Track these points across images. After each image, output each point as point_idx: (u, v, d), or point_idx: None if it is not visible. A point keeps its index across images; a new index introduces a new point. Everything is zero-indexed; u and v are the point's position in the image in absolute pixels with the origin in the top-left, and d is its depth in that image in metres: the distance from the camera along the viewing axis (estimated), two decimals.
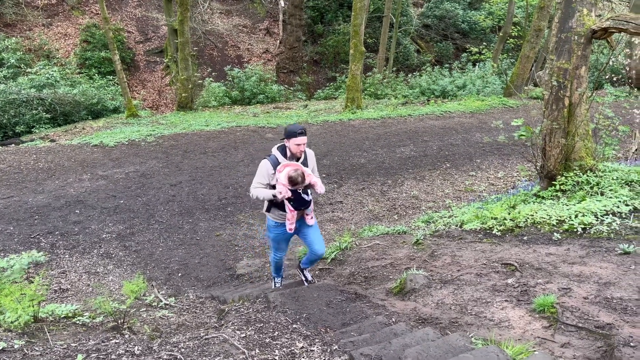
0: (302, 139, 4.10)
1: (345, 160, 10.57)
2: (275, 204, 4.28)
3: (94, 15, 23.12)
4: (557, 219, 5.17)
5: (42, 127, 15.63)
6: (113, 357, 2.87)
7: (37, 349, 2.94)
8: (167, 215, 8.03)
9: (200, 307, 4.93)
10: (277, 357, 2.93)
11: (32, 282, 3.56)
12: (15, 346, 2.91)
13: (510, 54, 23.86)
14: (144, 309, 4.70)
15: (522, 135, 6.23)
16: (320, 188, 4.19)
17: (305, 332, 3.37)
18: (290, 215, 4.25)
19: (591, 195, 5.58)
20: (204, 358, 2.90)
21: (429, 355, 2.67)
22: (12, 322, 3.23)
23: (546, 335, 3.05)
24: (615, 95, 15.21)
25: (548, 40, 15.16)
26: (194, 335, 3.33)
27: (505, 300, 3.63)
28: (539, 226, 5.20)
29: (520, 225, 5.32)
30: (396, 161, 10.56)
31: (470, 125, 13.50)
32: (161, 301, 5.00)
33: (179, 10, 16.40)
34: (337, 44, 23.56)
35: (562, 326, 3.11)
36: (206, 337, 3.25)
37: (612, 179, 5.80)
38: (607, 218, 4.95)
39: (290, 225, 4.28)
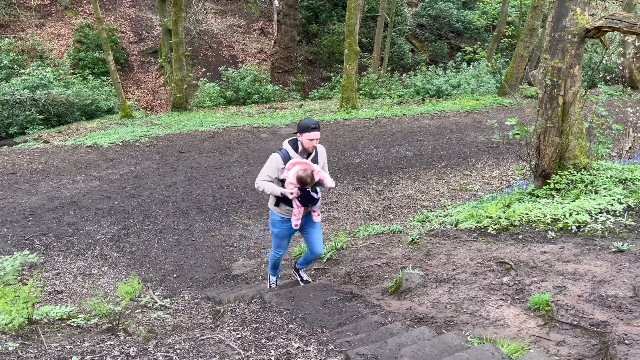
0: (315, 134, 4.03)
1: (340, 160, 10.58)
2: (283, 199, 4.22)
3: (88, 15, 23.00)
4: (551, 218, 5.19)
5: (36, 128, 15.51)
6: (108, 359, 2.86)
7: (31, 351, 2.92)
8: (162, 216, 8.00)
9: (196, 308, 4.92)
10: (273, 358, 2.93)
11: (26, 284, 3.54)
12: (10, 348, 2.90)
13: (505, 53, 23.94)
14: (139, 310, 4.69)
15: (516, 134, 6.26)
16: (330, 182, 4.16)
17: (301, 332, 3.36)
18: (297, 211, 4.19)
19: (585, 193, 5.61)
20: (199, 359, 2.89)
21: (424, 354, 2.68)
22: (6, 325, 3.21)
23: (541, 334, 3.07)
24: (609, 94, 15.27)
25: (542, 39, 15.22)
26: (189, 336, 3.32)
27: (501, 299, 3.64)
28: (533, 225, 5.22)
29: (515, 223, 5.34)
30: (391, 161, 10.57)
31: (464, 125, 13.54)
32: (156, 302, 4.99)
33: (173, 11, 16.34)
34: (332, 43, 23.57)
35: (557, 324, 3.13)
36: (202, 338, 3.24)
37: (606, 177, 5.83)
38: (601, 216, 4.98)
39: (296, 221, 4.22)
